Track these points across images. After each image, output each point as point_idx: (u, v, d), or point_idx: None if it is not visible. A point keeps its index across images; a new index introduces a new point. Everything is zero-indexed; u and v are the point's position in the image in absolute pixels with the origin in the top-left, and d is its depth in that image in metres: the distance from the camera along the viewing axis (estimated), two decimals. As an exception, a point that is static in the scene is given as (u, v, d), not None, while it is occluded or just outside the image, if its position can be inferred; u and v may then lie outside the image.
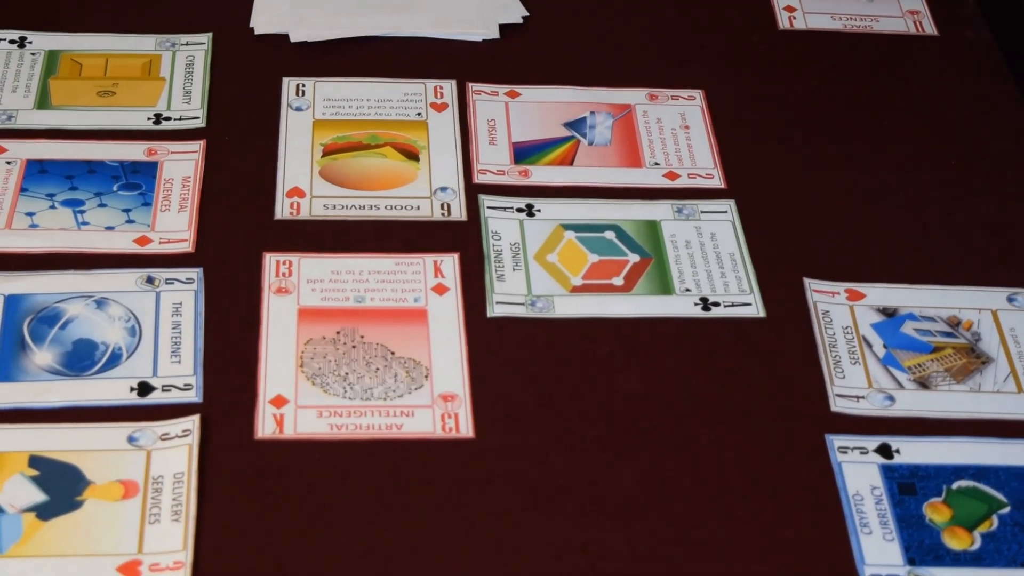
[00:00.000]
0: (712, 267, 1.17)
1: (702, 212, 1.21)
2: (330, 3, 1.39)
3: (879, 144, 1.29)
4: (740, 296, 1.14)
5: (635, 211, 1.21)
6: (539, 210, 1.20)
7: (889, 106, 1.33)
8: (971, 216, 1.23)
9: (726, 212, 1.21)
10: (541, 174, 1.24)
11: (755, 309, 1.14)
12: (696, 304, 1.14)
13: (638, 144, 1.28)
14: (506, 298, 1.13)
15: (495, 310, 1.12)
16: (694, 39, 1.40)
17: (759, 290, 1.15)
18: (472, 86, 1.32)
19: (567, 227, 1.19)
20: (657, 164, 1.26)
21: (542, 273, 1.16)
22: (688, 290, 1.15)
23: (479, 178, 1.23)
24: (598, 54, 1.38)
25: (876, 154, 1.29)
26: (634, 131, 1.29)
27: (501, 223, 1.19)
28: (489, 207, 1.20)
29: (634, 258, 1.17)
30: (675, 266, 1.17)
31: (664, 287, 1.15)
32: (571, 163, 1.26)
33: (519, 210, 1.20)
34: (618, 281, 1.15)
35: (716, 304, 1.14)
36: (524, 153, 1.26)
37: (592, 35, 1.40)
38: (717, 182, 1.24)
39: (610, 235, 1.19)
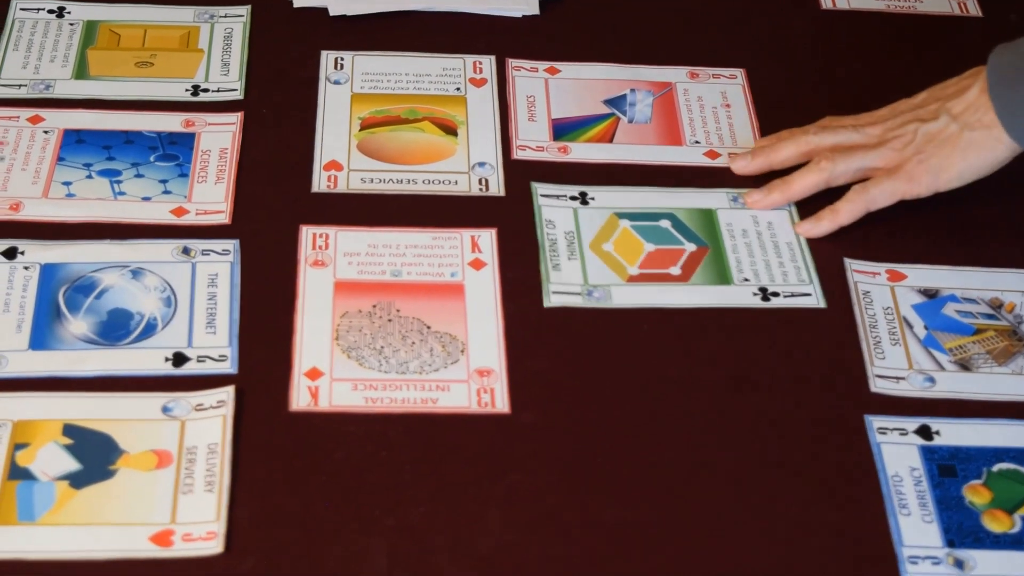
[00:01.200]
0: (770, 257, 1.15)
1: None
2: (369, -23, 1.38)
3: (922, 124, 1.28)
4: (800, 286, 1.13)
5: (690, 199, 1.20)
6: (593, 198, 1.19)
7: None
8: (1014, 197, 1.22)
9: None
10: (580, 151, 1.23)
11: (815, 300, 1.12)
12: (755, 294, 1.12)
13: (679, 122, 1.27)
14: (563, 288, 1.12)
15: (551, 300, 1.11)
16: (736, 18, 1.39)
17: (819, 280, 1.13)
18: (512, 62, 1.31)
19: (622, 216, 1.18)
20: (698, 142, 1.25)
21: (598, 262, 1.14)
22: (747, 280, 1.13)
23: (518, 154, 1.22)
24: (638, 32, 1.37)
25: (919, 134, 1.27)
26: (675, 109, 1.28)
27: (555, 211, 1.18)
28: (543, 195, 1.19)
29: (691, 247, 1.16)
30: (732, 255, 1.15)
31: (722, 277, 1.14)
32: (611, 140, 1.24)
33: (572, 198, 1.19)
34: (675, 271, 1.14)
35: (775, 294, 1.12)
36: (564, 130, 1.25)
37: (632, 13, 1.39)
38: None
39: (666, 224, 1.17)
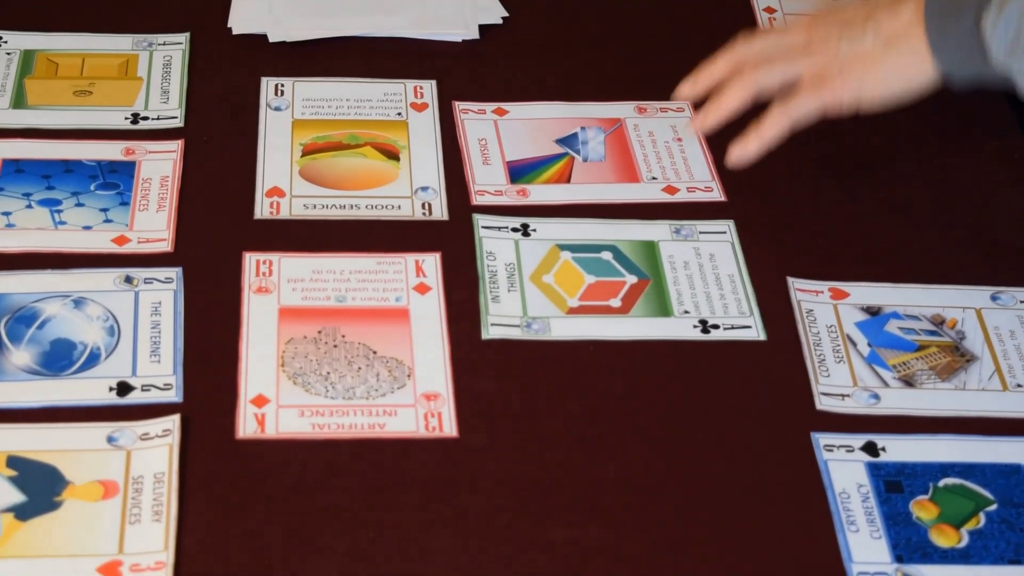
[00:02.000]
0: (711, 288, 1.15)
1: (700, 232, 1.20)
2: (308, 3, 1.38)
3: (862, 143, 1.29)
4: (740, 318, 1.13)
5: (633, 231, 1.20)
6: (535, 230, 1.19)
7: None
8: (955, 214, 1.23)
9: (724, 232, 1.20)
10: (540, 193, 1.22)
11: (755, 332, 1.12)
12: (695, 327, 1.12)
13: (633, 159, 1.26)
14: (501, 319, 1.12)
15: (490, 332, 1.11)
16: (675, 43, 1.39)
17: (760, 311, 1.14)
18: (459, 105, 1.30)
19: (563, 247, 1.18)
20: (655, 178, 1.24)
21: (538, 294, 1.14)
22: (687, 312, 1.13)
23: (477, 199, 1.21)
24: (579, 58, 1.37)
25: (859, 153, 1.28)
26: (627, 145, 1.28)
27: (496, 243, 1.17)
28: (484, 227, 1.18)
29: (632, 279, 1.16)
30: (673, 287, 1.15)
31: (663, 309, 1.14)
32: (568, 180, 1.24)
33: (514, 230, 1.19)
34: (615, 303, 1.14)
35: (715, 327, 1.13)
36: (520, 172, 1.24)
37: (571, 37, 1.39)
38: (717, 195, 1.23)
39: (607, 255, 1.17)
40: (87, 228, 1.15)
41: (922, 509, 1.01)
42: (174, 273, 1.12)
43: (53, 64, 1.30)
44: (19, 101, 1.26)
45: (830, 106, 1.13)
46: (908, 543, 0.99)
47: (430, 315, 1.11)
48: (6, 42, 1.32)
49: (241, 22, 1.36)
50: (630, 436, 1.05)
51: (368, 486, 1.00)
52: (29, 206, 1.17)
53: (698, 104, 1.30)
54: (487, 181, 1.23)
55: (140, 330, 1.08)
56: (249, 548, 0.96)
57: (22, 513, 0.96)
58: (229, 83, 1.31)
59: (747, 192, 1.23)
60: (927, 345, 1.12)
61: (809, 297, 1.15)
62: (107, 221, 1.16)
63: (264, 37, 1.35)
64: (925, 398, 1.08)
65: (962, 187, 1.26)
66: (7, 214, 1.16)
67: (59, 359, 1.06)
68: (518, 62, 1.36)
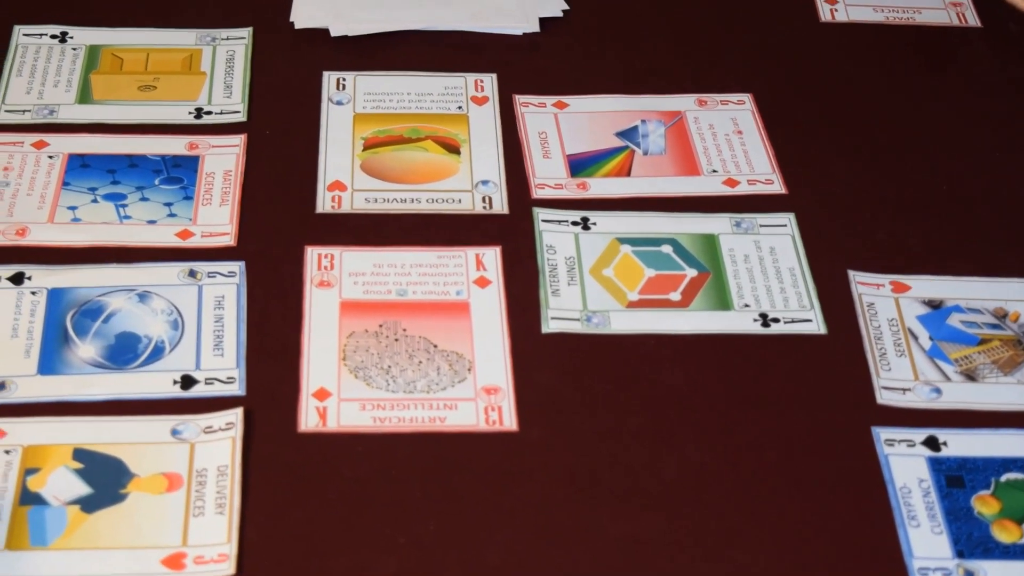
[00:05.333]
0: (772, 282, 1.15)
1: (761, 226, 1.20)
2: (370, -3, 1.39)
3: (924, 135, 1.29)
4: (800, 312, 1.13)
5: (692, 224, 1.19)
6: (595, 223, 1.19)
7: (934, 97, 1.33)
8: (1017, 207, 1.22)
9: (785, 225, 1.19)
10: (600, 186, 1.22)
11: (816, 325, 1.12)
12: (756, 320, 1.12)
13: (693, 152, 1.26)
14: (561, 313, 1.12)
15: (550, 326, 1.11)
16: (737, 36, 1.39)
17: (820, 304, 1.13)
18: (519, 98, 1.30)
19: (623, 240, 1.18)
20: (715, 171, 1.24)
21: (598, 288, 1.14)
22: (747, 305, 1.13)
23: (537, 192, 1.21)
24: (639, 51, 1.37)
25: (921, 145, 1.28)
26: (687, 138, 1.27)
27: (556, 236, 1.17)
28: (544, 220, 1.19)
29: (692, 272, 1.16)
30: (733, 281, 1.15)
31: (723, 302, 1.14)
32: (628, 174, 1.24)
33: (574, 223, 1.19)
34: (675, 296, 1.14)
35: (776, 320, 1.12)
36: (580, 165, 1.25)
37: (631, 29, 1.39)
38: (777, 187, 1.22)
39: (667, 249, 1.17)
40: (151, 222, 1.17)
41: (984, 504, 1.00)
42: (237, 267, 1.13)
43: (118, 59, 1.32)
44: (84, 96, 1.28)
45: None
46: (969, 538, 0.98)
47: (490, 309, 1.11)
48: (72, 37, 1.33)
49: (303, 17, 1.37)
50: (690, 430, 1.05)
51: (428, 479, 1.00)
52: (94, 200, 1.18)
53: (760, 97, 1.31)
54: (547, 175, 1.23)
55: (204, 324, 1.09)
56: (311, 540, 0.96)
57: (88, 505, 0.97)
58: (291, 77, 1.31)
59: (808, 185, 1.23)
60: (989, 339, 1.11)
61: (870, 290, 1.14)
62: (171, 215, 1.17)
63: (326, 31, 1.35)
64: (987, 392, 1.08)
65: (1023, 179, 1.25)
66: (73, 208, 1.17)
67: (124, 352, 1.07)
68: (578, 55, 1.36)
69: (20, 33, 1.33)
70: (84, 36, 1.34)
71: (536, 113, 1.29)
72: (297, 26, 1.36)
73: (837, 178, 1.24)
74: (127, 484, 0.98)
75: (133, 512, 0.97)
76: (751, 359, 1.10)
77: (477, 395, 1.06)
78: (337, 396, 1.05)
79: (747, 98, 1.31)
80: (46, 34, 1.33)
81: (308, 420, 1.03)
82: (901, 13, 1.42)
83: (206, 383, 1.05)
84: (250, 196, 1.19)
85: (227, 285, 1.12)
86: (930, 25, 1.41)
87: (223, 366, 1.06)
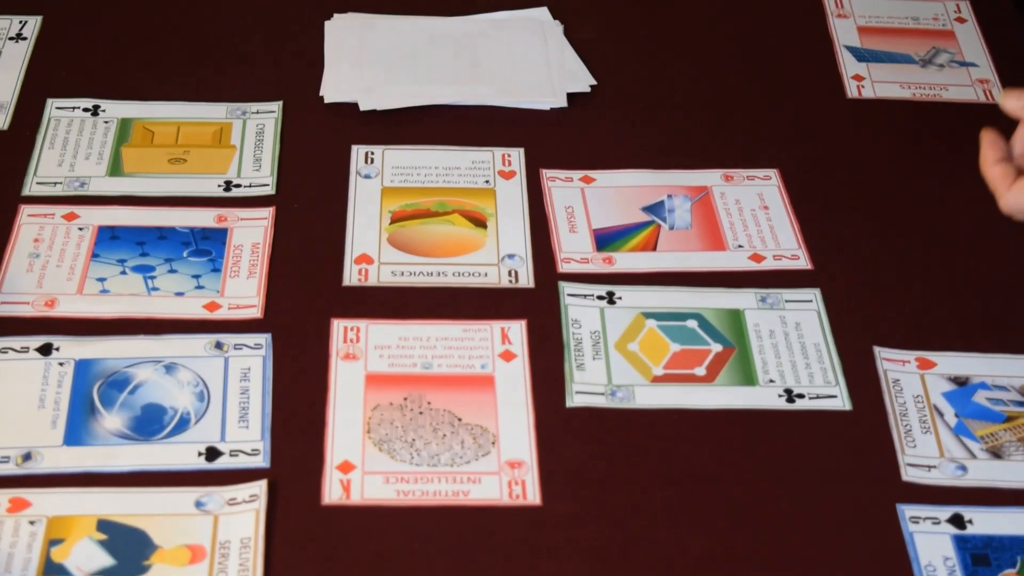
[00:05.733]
0: (796, 358, 1.15)
1: (786, 301, 1.20)
2: (399, 72, 1.40)
3: (950, 212, 1.29)
4: (825, 388, 1.13)
5: (718, 299, 1.20)
6: (620, 298, 1.19)
7: (961, 174, 1.32)
8: (1044, 285, 1.22)
9: (811, 301, 1.19)
10: (625, 261, 1.23)
11: (841, 402, 1.12)
12: (780, 396, 1.12)
13: (719, 226, 1.27)
14: (586, 387, 1.12)
15: (575, 400, 1.11)
16: (763, 112, 1.40)
17: (845, 381, 1.13)
18: (546, 172, 1.31)
19: (648, 315, 1.18)
20: (741, 246, 1.25)
21: (623, 362, 1.14)
22: (772, 381, 1.13)
23: (563, 267, 1.21)
24: (666, 126, 1.38)
25: (947, 222, 1.28)
26: (713, 213, 1.28)
27: (581, 311, 1.18)
28: (569, 294, 1.19)
29: (717, 347, 1.16)
30: (758, 356, 1.15)
31: (748, 378, 1.14)
32: (654, 248, 1.24)
33: (600, 298, 1.19)
34: (700, 371, 1.14)
35: (800, 396, 1.12)
36: (606, 240, 1.25)
37: (658, 104, 1.40)
38: (803, 263, 1.23)
39: (692, 324, 1.17)
40: (179, 294, 1.17)
41: (1009, 583, 1.00)
42: (263, 339, 1.14)
43: (149, 132, 1.33)
44: (115, 169, 1.29)
45: None
46: (995, 617, 0.98)
47: (515, 382, 1.12)
48: (104, 111, 1.35)
49: (333, 91, 1.38)
50: (714, 505, 1.04)
51: (452, 553, 1.00)
52: (123, 272, 1.19)
53: (786, 173, 1.31)
54: (573, 249, 1.24)
55: (229, 395, 1.09)
56: (333, 614, 0.96)
57: (111, 576, 0.97)
58: (320, 151, 1.32)
59: (834, 260, 1.23)
60: (1015, 416, 1.11)
61: (896, 367, 1.14)
62: (199, 287, 1.18)
63: (355, 106, 1.36)
64: (1013, 470, 1.07)
65: (1051, 256, 1.25)
66: (102, 280, 1.18)
67: (150, 424, 1.07)
68: (605, 130, 1.37)
69: (53, 106, 1.35)
70: (116, 109, 1.35)
71: (563, 187, 1.30)
72: (327, 100, 1.37)
73: (863, 254, 1.24)
74: (151, 556, 0.99)
75: (156, 584, 0.97)
76: (776, 435, 1.09)
77: (501, 469, 1.06)
78: (361, 469, 1.05)
79: (773, 173, 1.32)
80: (79, 107, 1.35)
81: (332, 493, 1.03)
82: (928, 90, 1.43)
83: (231, 455, 1.05)
84: (278, 268, 1.20)
85: (253, 357, 1.12)
86: (957, 102, 1.42)
87: (248, 438, 1.06)
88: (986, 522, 1.03)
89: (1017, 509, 1.04)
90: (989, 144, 1.09)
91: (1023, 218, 1.10)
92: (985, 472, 1.07)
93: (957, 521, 1.03)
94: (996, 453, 1.08)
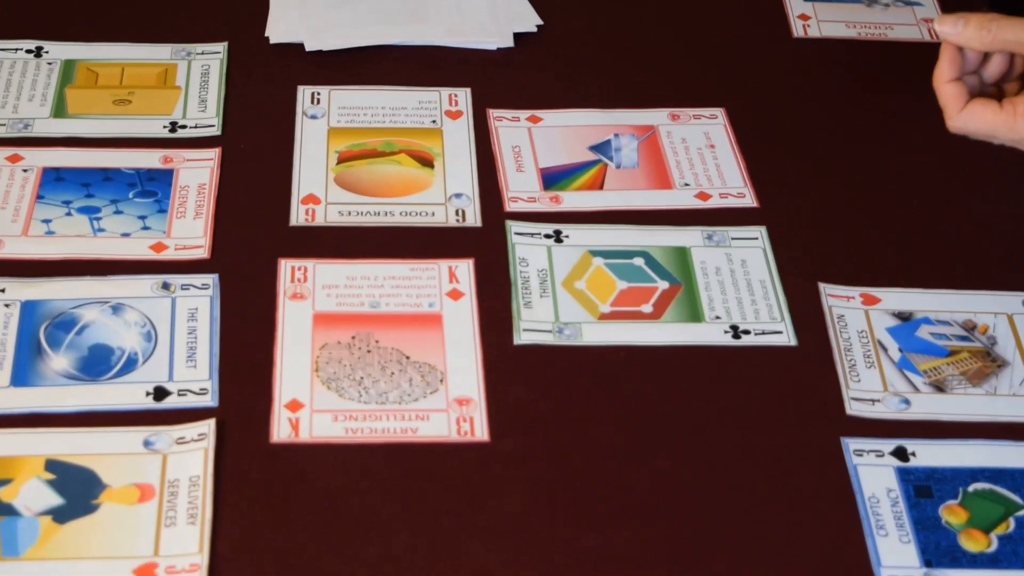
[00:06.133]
0: (743, 294, 1.16)
1: (732, 239, 1.20)
2: (344, 13, 1.40)
3: (894, 150, 1.30)
4: (771, 324, 1.14)
5: (664, 237, 1.20)
6: (567, 236, 1.20)
7: (904, 112, 1.33)
8: (986, 220, 1.23)
9: (757, 239, 1.20)
10: (572, 199, 1.23)
11: (786, 337, 1.13)
12: (726, 332, 1.13)
13: (666, 165, 1.27)
14: (533, 325, 1.12)
15: (522, 338, 1.11)
16: (710, 51, 1.40)
17: (791, 317, 1.14)
18: (493, 112, 1.31)
19: (595, 253, 1.19)
20: (687, 185, 1.25)
21: (570, 300, 1.15)
22: (718, 318, 1.14)
23: (510, 206, 1.22)
24: (613, 66, 1.38)
25: (891, 160, 1.29)
26: (660, 152, 1.28)
27: (528, 249, 1.18)
28: (516, 233, 1.19)
29: (663, 285, 1.16)
30: (705, 293, 1.16)
31: (694, 315, 1.15)
32: (601, 187, 1.25)
33: (547, 236, 1.20)
34: (647, 308, 1.15)
35: (746, 332, 1.13)
36: (553, 179, 1.25)
37: (605, 44, 1.40)
38: (749, 201, 1.23)
39: (639, 261, 1.18)
40: (125, 235, 1.17)
41: (951, 514, 1.01)
42: (210, 279, 1.14)
43: (93, 73, 1.32)
44: (60, 110, 1.28)
45: None
46: (937, 548, 0.99)
47: (463, 321, 1.12)
48: (47, 52, 1.34)
49: (278, 31, 1.37)
50: (660, 441, 1.05)
51: (400, 490, 1.01)
52: (69, 214, 1.18)
53: (732, 112, 1.31)
54: (520, 188, 1.24)
55: (177, 336, 1.09)
56: (283, 551, 0.97)
57: (60, 516, 0.97)
58: (266, 92, 1.32)
59: (779, 198, 1.24)
60: (958, 350, 1.12)
61: (840, 303, 1.15)
62: (145, 228, 1.18)
63: (301, 46, 1.36)
64: (955, 403, 1.09)
65: (994, 193, 1.26)
66: (47, 221, 1.18)
67: (97, 364, 1.07)
68: (552, 70, 1.37)
69: (-4, 47, 1.34)
70: (59, 51, 1.34)
71: (510, 127, 1.30)
72: (272, 41, 1.36)
73: (808, 192, 1.25)
74: (99, 495, 0.99)
75: (105, 523, 0.97)
76: (722, 371, 1.10)
77: (449, 406, 1.06)
78: (309, 407, 1.05)
79: (720, 112, 1.32)
80: (21, 48, 1.34)
81: (280, 431, 1.04)
82: (873, 29, 1.43)
83: (179, 395, 1.05)
84: (224, 209, 1.20)
85: (200, 297, 1.12)
86: (902, 41, 1.42)
87: (196, 378, 1.07)
88: (929, 454, 1.05)
89: (959, 441, 1.06)
90: (948, 61, 1.09)
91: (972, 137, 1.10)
92: (928, 406, 1.08)
93: (900, 454, 1.05)
94: (939, 387, 1.10)
